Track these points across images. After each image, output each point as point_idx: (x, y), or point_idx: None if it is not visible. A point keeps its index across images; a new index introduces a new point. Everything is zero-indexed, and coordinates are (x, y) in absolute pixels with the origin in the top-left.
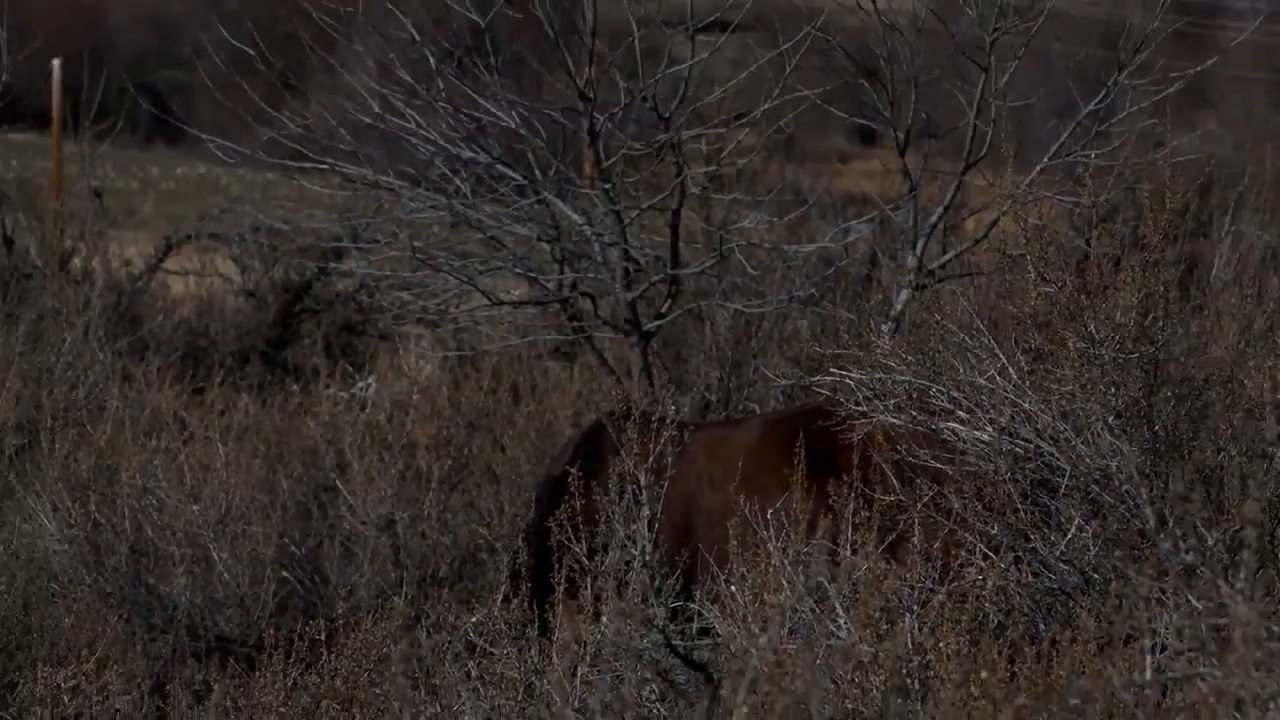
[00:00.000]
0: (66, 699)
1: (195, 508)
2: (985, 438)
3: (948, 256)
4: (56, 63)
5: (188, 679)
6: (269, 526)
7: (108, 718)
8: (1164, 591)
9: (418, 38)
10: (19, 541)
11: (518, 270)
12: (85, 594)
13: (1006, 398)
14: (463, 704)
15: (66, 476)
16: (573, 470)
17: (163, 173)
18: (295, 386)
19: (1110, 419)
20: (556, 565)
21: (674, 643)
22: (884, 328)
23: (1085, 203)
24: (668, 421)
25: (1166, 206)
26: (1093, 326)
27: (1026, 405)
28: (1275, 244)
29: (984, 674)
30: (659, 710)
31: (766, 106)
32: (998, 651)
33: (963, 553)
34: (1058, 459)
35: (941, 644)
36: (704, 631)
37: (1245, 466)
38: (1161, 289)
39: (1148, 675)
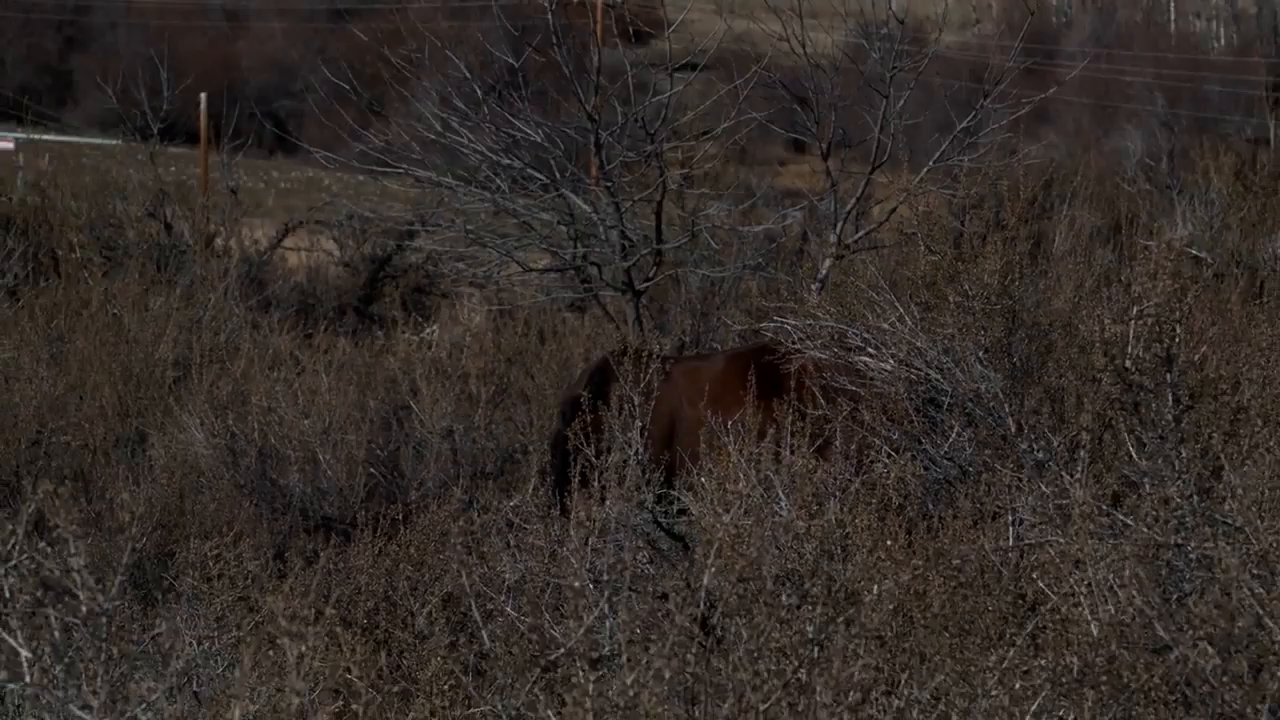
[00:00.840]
0: (211, 564)
1: (306, 422)
2: (888, 368)
3: (859, 235)
4: (203, 96)
5: (301, 548)
6: (360, 435)
7: (242, 578)
8: (1021, 480)
9: (468, 75)
10: (176, 448)
11: (543, 246)
12: (224, 486)
13: (903, 338)
14: (503, 566)
15: (211, 400)
16: (584, 393)
17: (281, 176)
18: (379, 332)
19: (980, 354)
20: (573, 464)
21: (660, 520)
22: (813, 287)
23: (960, 195)
24: (654, 356)
25: (1020, 197)
26: (966, 285)
27: (918, 344)
28: (1099, 224)
29: (889, 542)
30: (649, 570)
31: (725, 125)
32: (899, 525)
33: (872, 453)
34: (942, 383)
35: (857, 520)
36: (682, 512)
37: (1080, 388)
38: (1017, 258)
39: (1010, 542)
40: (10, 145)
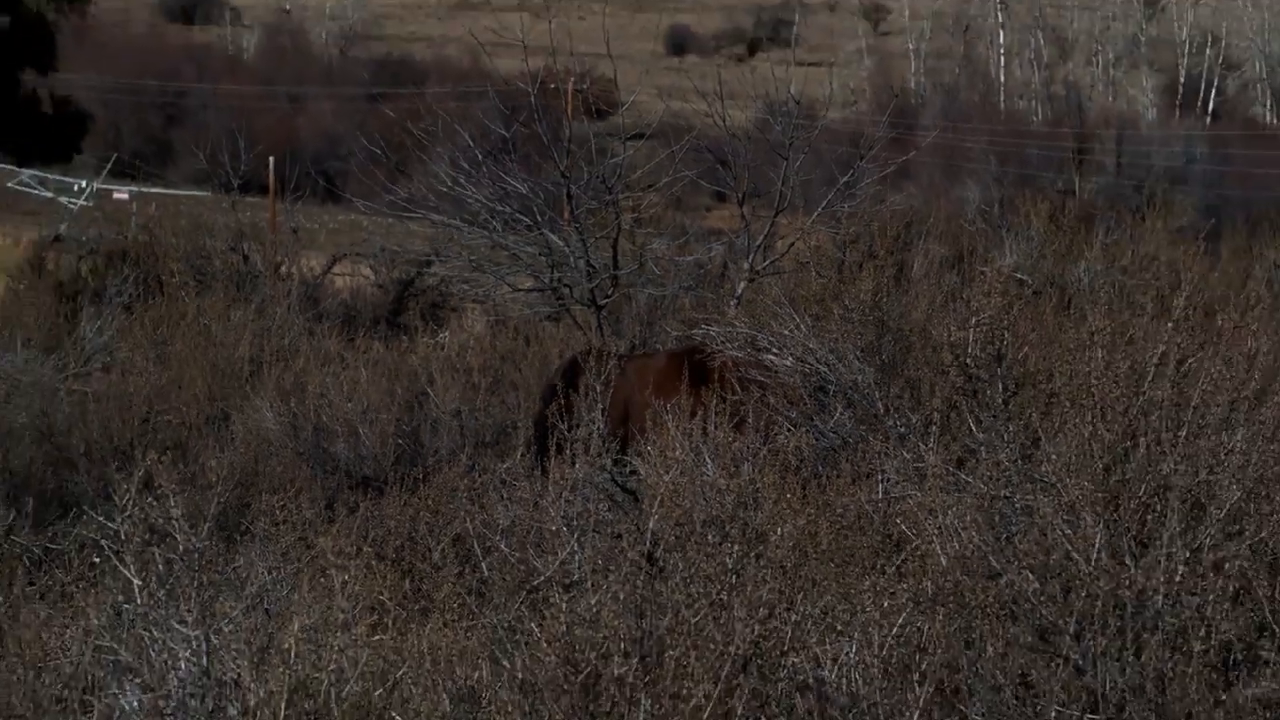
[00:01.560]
0: (277, 512)
1: (349, 405)
2: (788, 364)
3: (766, 263)
4: (271, 159)
5: (345, 500)
6: (390, 415)
7: (301, 523)
8: (888, 448)
9: (471, 143)
10: (251, 424)
11: (528, 272)
12: (287, 454)
13: (799, 341)
14: (498, 514)
15: (277, 388)
16: (559, 383)
17: (330, 219)
18: (404, 337)
19: (857, 353)
20: (551, 436)
21: (616, 479)
22: (731, 303)
23: (842, 233)
24: (612, 355)
25: (887, 234)
26: (847, 301)
27: (810, 345)
28: (946, 254)
29: (788, 495)
30: (608, 516)
31: (664, 181)
32: (796, 483)
33: (776, 428)
34: (828, 375)
35: (765, 478)
36: (633, 472)
37: (932, 379)
38: (885, 280)
39: (880, 495)
40: (126, 196)
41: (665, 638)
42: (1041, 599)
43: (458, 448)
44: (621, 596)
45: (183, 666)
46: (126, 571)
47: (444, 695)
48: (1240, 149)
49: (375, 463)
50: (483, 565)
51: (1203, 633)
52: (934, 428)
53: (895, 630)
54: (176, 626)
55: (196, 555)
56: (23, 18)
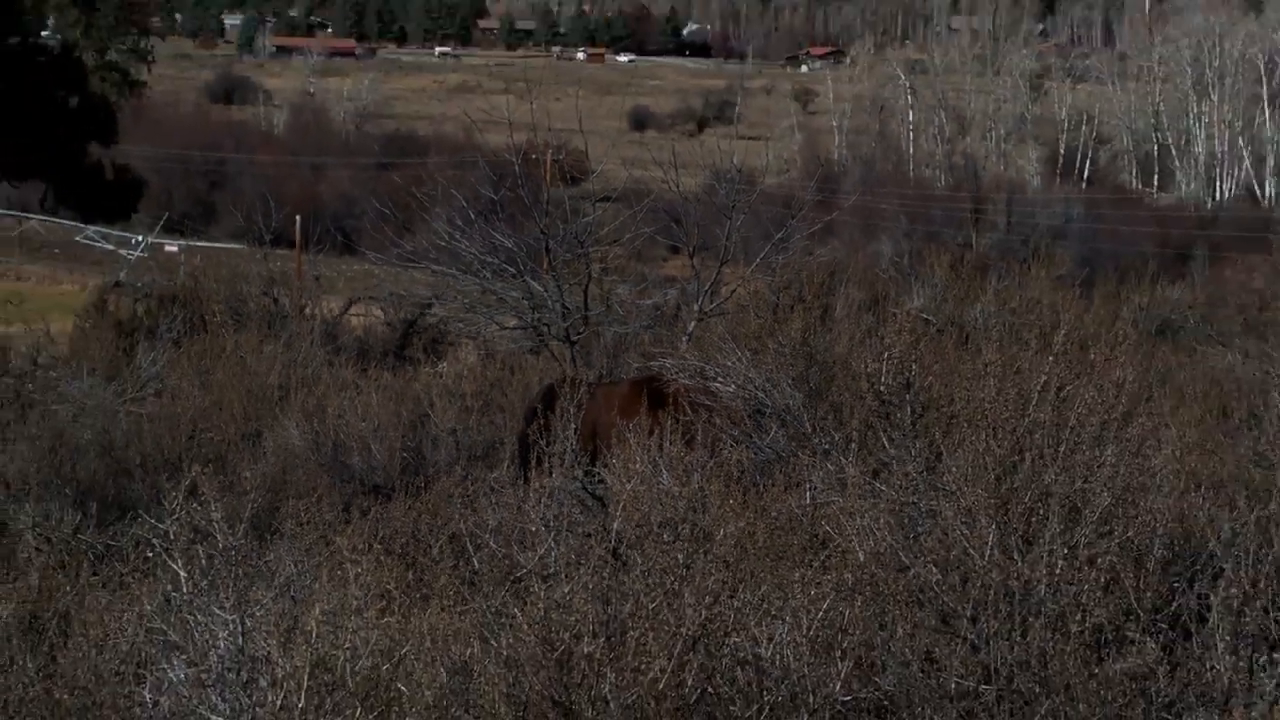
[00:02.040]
0: (302, 514)
1: (362, 424)
2: (731, 390)
3: (713, 306)
4: (298, 217)
5: (359, 504)
6: (397, 432)
7: (322, 523)
8: (814, 461)
9: (465, 204)
10: (280, 441)
11: (513, 313)
12: (310, 465)
13: (740, 371)
14: (487, 516)
15: (302, 410)
16: (539, 406)
17: (347, 269)
18: (409, 368)
19: (789, 381)
20: (532, 451)
21: (586, 487)
22: (683, 340)
23: (776, 280)
24: (583, 383)
25: (814, 282)
26: (780, 338)
27: (750, 375)
28: (864, 299)
29: (731, 501)
30: (579, 519)
31: (627, 236)
32: (738, 491)
33: (721, 444)
34: (765, 400)
35: (711, 487)
36: (600, 482)
37: (852, 403)
38: (812, 320)
39: (808, 501)
40: (175, 249)
41: (627, 621)
42: (943, 588)
43: (454, 460)
44: (590, 586)
45: (221, 645)
46: (174, 565)
47: (441, 670)
48: (1110, 210)
49: (384, 473)
50: (474, 559)
51: (1079, 617)
52: (853, 444)
53: (820, 615)
54: (216, 611)
55: (233, 551)
56: (89, 99)
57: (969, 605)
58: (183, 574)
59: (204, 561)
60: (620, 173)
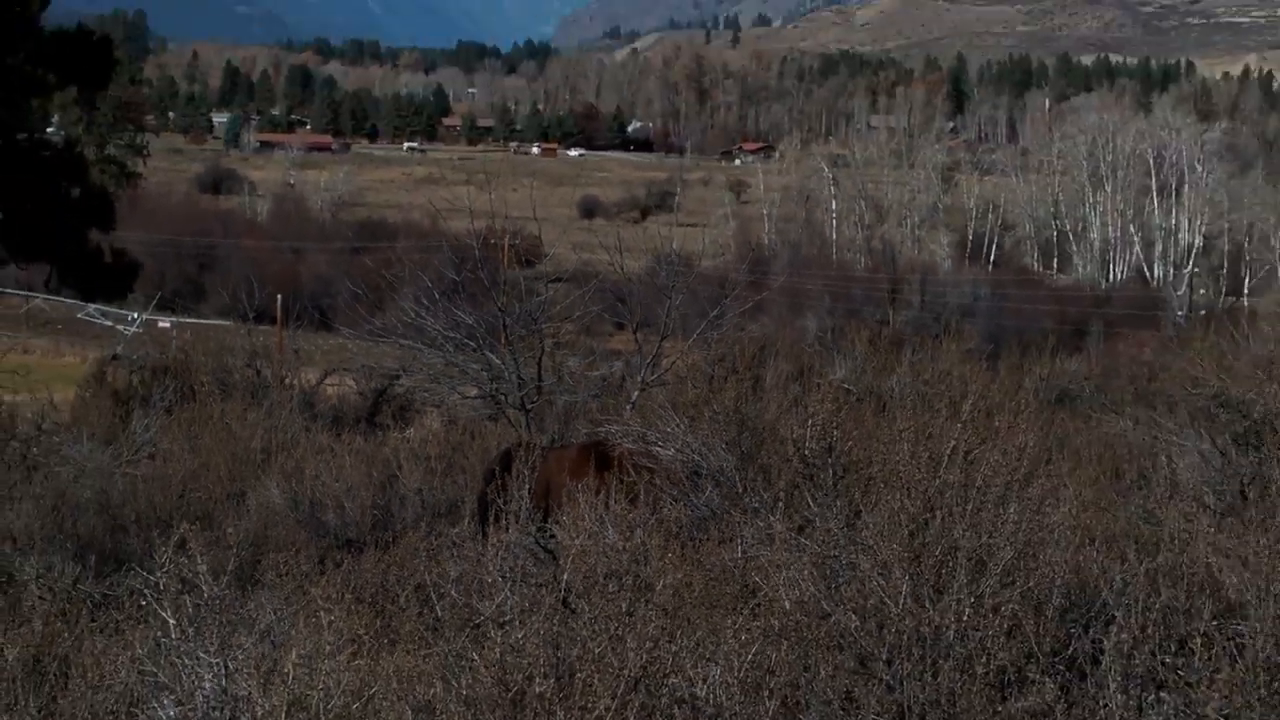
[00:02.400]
0: (280, 567)
1: (337, 484)
2: (670, 453)
3: (654, 377)
4: (279, 296)
5: (333, 557)
6: (368, 491)
7: (300, 574)
8: (745, 519)
9: (430, 285)
10: (262, 500)
11: (473, 383)
12: (289, 522)
13: (679, 436)
14: (450, 567)
15: (282, 471)
16: (497, 468)
17: (323, 343)
18: (379, 433)
19: (722, 445)
20: (490, 509)
21: (539, 542)
22: (627, 408)
23: (711, 354)
24: (536, 447)
25: (746, 355)
26: (715, 406)
27: (688, 440)
28: (791, 370)
29: (670, 555)
30: (533, 570)
31: (577, 314)
32: (677, 545)
33: (661, 502)
34: (701, 462)
35: (652, 541)
36: (552, 537)
37: (780, 465)
38: (744, 390)
39: (739, 555)
40: (168, 325)
41: (575, 663)
42: (861, 634)
43: (419, 517)
44: (542, 632)
45: (207, 686)
46: (164, 613)
47: (407, 708)
48: (1014, 290)
49: (356, 528)
50: (437, 607)
51: (984, 659)
52: (780, 503)
53: (750, 657)
54: (202, 655)
55: (217, 601)
56: (89, 189)
57: (885, 649)
58: (171, 621)
59: (191, 610)
60: (570, 256)
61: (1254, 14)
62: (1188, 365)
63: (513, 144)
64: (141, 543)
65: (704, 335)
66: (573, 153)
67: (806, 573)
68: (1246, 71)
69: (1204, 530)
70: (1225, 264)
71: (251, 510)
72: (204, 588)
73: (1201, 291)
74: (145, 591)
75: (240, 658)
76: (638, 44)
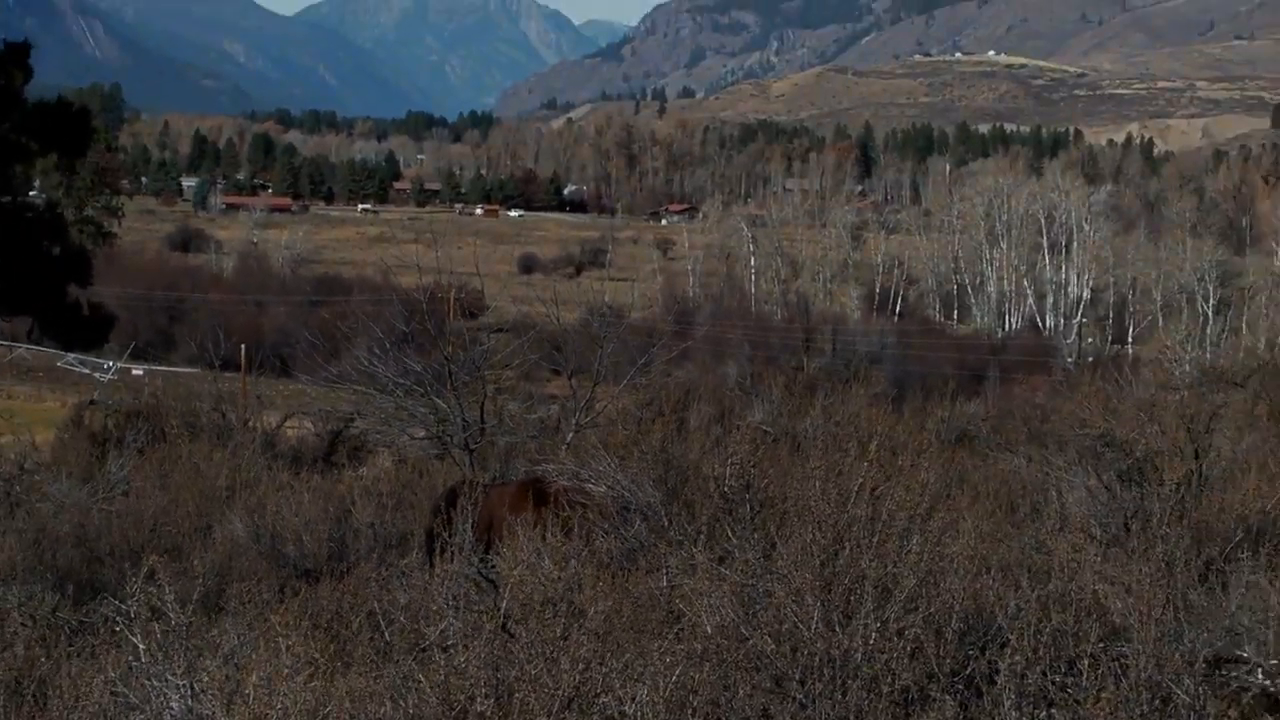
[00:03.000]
0: (244, 595)
1: (296, 518)
2: (602, 490)
3: (588, 419)
4: (243, 346)
5: (292, 586)
6: (324, 526)
7: (260, 602)
8: (670, 550)
9: (381, 336)
10: (227, 533)
11: (421, 425)
12: (251, 554)
13: (610, 474)
14: (399, 595)
15: (245, 507)
16: (443, 504)
17: (283, 389)
18: (335, 472)
19: (650, 482)
20: (436, 541)
21: (481, 572)
22: (563, 448)
23: (640, 398)
24: (479, 484)
25: (672, 399)
26: (643, 446)
27: (618, 477)
28: (713, 413)
29: (601, 583)
30: (475, 598)
31: (516, 362)
32: (608, 574)
33: (593, 535)
34: (630, 498)
35: (585, 571)
36: (493, 567)
37: (702, 501)
38: (670, 431)
39: (665, 584)
40: (140, 373)
41: (514, 684)
42: (776, 656)
43: (372, 549)
44: (483, 655)
45: (174, 706)
46: (134, 639)
47: None
48: (918, 339)
49: (313, 559)
50: (387, 632)
51: (889, 679)
52: (702, 535)
53: (675, 678)
54: (169, 678)
55: (184, 627)
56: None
57: (798, 670)
58: (141, 646)
59: (160, 636)
60: (511, 308)
61: (1136, 86)
62: (1076, 408)
63: (458, 206)
64: (115, 573)
65: (633, 381)
66: (513, 213)
67: (726, 600)
68: (1129, 139)
69: (1091, 560)
70: (1111, 315)
71: (217, 543)
72: (172, 615)
73: (1089, 340)
74: (118, 619)
75: (205, 680)
76: (572, 114)
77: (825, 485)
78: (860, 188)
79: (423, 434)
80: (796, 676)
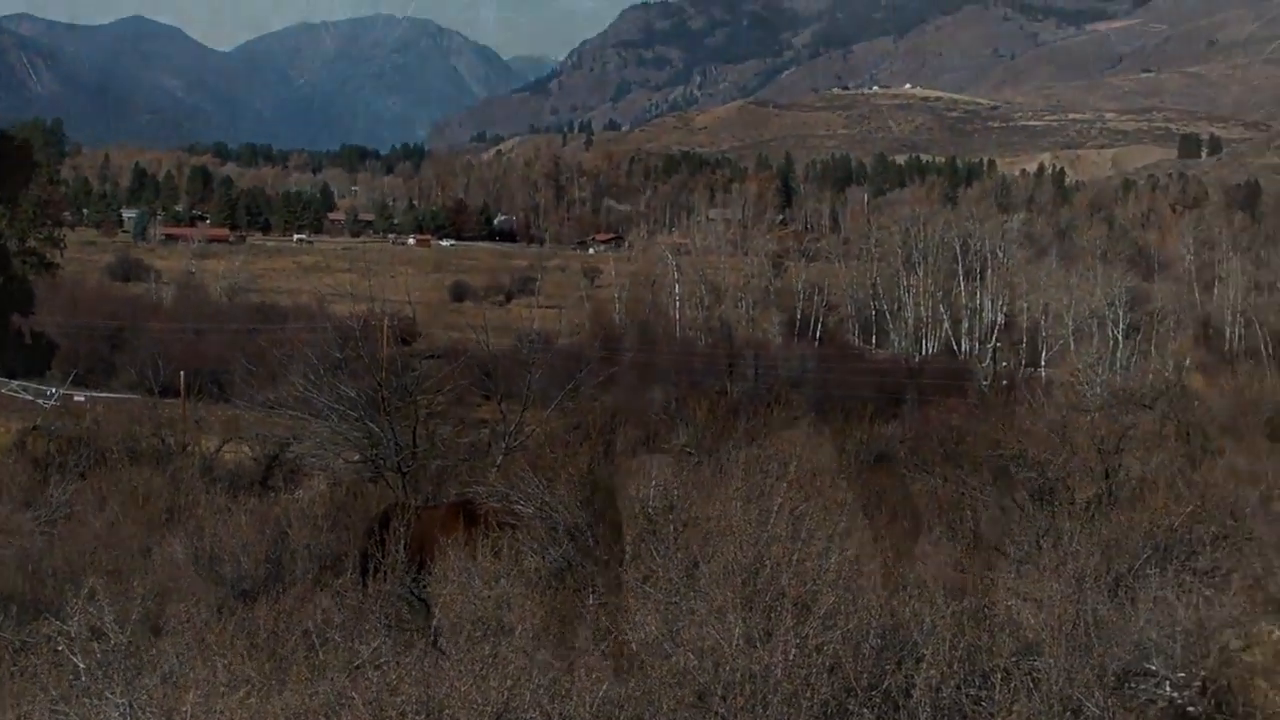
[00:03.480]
0: (183, 614)
1: (234, 540)
2: (531, 511)
3: (517, 443)
4: (182, 372)
5: (230, 606)
6: (261, 547)
7: (199, 622)
8: (597, 568)
9: (316, 363)
10: (166, 554)
11: (355, 449)
12: (191, 575)
13: (539, 495)
14: (334, 614)
15: (184, 529)
16: (376, 525)
17: (221, 414)
18: (272, 494)
19: (577, 503)
20: (370, 561)
21: (413, 591)
22: (493, 470)
23: (569, 422)
24: (413, 506)
25: (598, 423)
26: (570, 469)
27: (546, 499)
28: (639, 437)
29: (531, 601)
30: (408, 616)
31: (449, 387)
32: (539, 594)
33: (522, 554)
34: (558, 519)
35: (515, 590)
36: (425, 587)
37: (627, 522)
38: (598, 455)
39: (591, 601)
40: (82, 399)
41: (444, 699)
42: (700, 671)
43: (308, 570)
44: (414, 671)
45: None
46: (75, 659)
47: None
48: (837, 364)
49: (251, 580)
50: (321, 651)
51: (808, 694)
52: (628, 554)
53: (601, 693)
54: (109, 696)
55: (124, 647)
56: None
57: (720, 685)
58: (81, 666)
59: (100, 655)
60: (443, 335)
61: (1048, 118)
62: (990, 429)
63: (391, 236)
64: (57, 594)
65: (561, 405)
66: (444, 243)
67: (651, 617)
68: (1041, 169)
69: (1004, 577)
70: (1024, 339)
71: (156, 564)
72: (112, 635)
73: (1003, 363)
74: (59, 639)
75: (144, 699)
76: (502, 146)
77: (746, 506)
78: (781, 217)
79: (357, 457)
80: (719, 692)
